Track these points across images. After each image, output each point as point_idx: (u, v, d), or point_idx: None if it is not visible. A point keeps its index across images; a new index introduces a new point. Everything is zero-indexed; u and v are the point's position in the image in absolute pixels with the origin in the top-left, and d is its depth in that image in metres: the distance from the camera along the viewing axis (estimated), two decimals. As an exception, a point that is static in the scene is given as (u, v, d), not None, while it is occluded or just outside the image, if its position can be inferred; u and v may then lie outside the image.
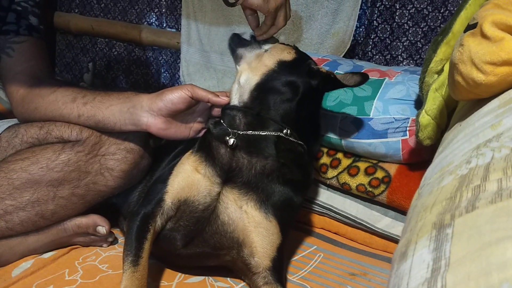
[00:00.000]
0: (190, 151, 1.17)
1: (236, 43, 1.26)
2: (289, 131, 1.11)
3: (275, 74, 1.14)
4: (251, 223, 1.07)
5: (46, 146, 1.17)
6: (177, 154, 1.26)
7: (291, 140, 1.11)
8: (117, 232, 1.34)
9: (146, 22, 2.30)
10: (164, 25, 2.28)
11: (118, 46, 2.40)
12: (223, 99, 1.16)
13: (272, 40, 1.29)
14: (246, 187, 1.09)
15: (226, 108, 1.16)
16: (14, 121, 1.32)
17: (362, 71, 1.39)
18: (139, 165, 1.22)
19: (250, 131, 1.09)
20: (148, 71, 2.37)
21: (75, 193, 1.17)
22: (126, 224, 1.11)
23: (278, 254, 1.09)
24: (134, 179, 1.23)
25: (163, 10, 2.26)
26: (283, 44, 1.26)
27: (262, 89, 1.13)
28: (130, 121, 1.15)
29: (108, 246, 1.30)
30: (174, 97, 1.13)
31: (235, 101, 1.15)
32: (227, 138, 1.09)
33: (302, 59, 1.20)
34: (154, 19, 2.29)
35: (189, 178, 1.11)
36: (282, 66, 1.15)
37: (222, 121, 1.13)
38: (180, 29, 2.09)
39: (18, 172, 1.13)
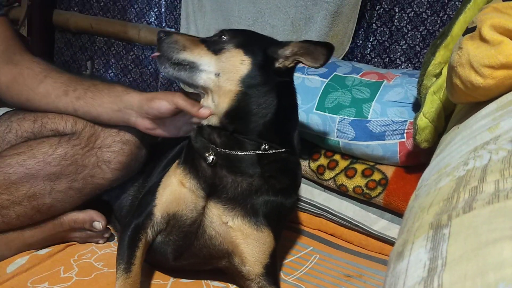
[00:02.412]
0: (177, 161, 1.15)
1: (174, 70, 1.08)
2: (266, 146, 1.06)
3: (243, 95, 1.04)
4: (239, 236, 1.06)
5: (42, 140, 1.16)
6: (168, 162, 1.24)
7: (272, 152, 1.08)
8: (112, 230, 1.34)
9: (145, 21, 2.30)
10: (163, 25, 2.28)
11: (117, 45, 2.40)
12: (203, 113, 1.08)
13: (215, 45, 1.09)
14: (231, 203, 1.06)
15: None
16: (1, 110, 1.29)
17: (361, 73, 1.40)
18: (137, 156, 1.21)
19: (228, 151, 1.06)
20: (147, 70, 2.37)
21: (72, 187, 1.17)
22: (119, 234, 1.11)
23: (271, 260, 1.08)
24: (133, 170, 1.23)
25: (163, 10, 2.26)
26: (226, 50, 1.06)
27: (234, 116, 1.05)
28: (121, 119, 1.16)
29: (104, 242, 1.29)
30: (161, 106, 1.11)
31: (211, 118, 1.08)
32: (206, 154, 1.06)
33: (261, 59, 1.06)
34: (153, 18, 2.29)
35: (176, 192, 1.09)
36: (246, 82, 1.04)
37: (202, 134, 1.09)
38: (179, 28, 2.10)
39: (14, 167, 1.13)
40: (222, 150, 1.06)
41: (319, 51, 1.03)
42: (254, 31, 1.21)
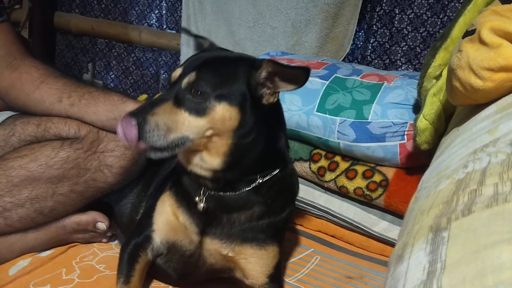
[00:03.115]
0: (169, 186, 1.11)
1: (167, 152, 0.94)
2: (261, 180, 1.02)
3: (234, 146, 0.97)
4: (241, 258, 1.06)
5: (45, 143, 1.17)
6: (165, 179, 1.20)
7: (268, 179, 1.03)
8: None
9: (146, 23, 2.31)
10: (164, 27, 2.28)
11: (118, 46, 2.41)
12: None
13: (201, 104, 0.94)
14: (229, 237, 1.04)
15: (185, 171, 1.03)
16: (5, 114, 1.30)
17: (361, 75, 1.40)
18: (138, 161, 1.22)
19: (221, 192, 1.01)
20: (148, 72, 2.37)
21: (74, 190, 1.17)
22: (120, 252, 1.10)
23: (276, 270, 1.08)
24: (133, 175, 1.24)
25: (163, 12, 2.27)
26: (210, 109, 0.93)
27: (226, 168, 0.98)
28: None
29: (108, 241, 1.30)
30: None
31: (195, 169, 0.99)
32: (197, 199, 1.02)
33: (246, 101, 0.95)
34: (154, 20, 2.30)
35: (171, 223, 1.08)
36: (237, 134, 0.96)
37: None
38: (180, 30, 2.10)
39: (16, 170, 1.13)
40: (215, 192, 1.01)
41: (297, 75, 0.94)
42: (221, 51, 1.10)
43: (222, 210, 1.03)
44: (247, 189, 1.02)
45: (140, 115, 0.90)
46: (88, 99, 1.18)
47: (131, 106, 1.14)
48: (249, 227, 1.04)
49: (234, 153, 0.97)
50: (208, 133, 0.94)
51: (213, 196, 1.02)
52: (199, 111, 0.92)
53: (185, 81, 0.94)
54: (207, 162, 0.98)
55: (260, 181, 1.02)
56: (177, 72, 0.99)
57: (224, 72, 0.97)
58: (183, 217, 1.05)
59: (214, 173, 0.99)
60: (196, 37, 1.14)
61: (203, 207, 1.01)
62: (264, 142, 1.01)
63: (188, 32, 2.07)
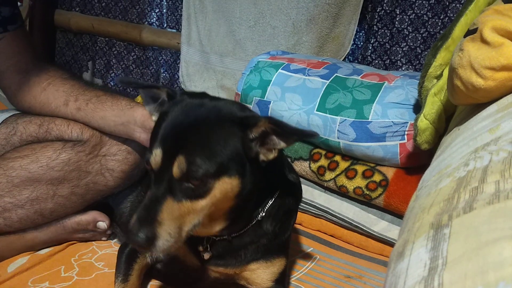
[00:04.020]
0: None
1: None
2: (263, 211, 0.98)
3: (236, 207, 0.92)
4: (247, 272, 1.05)
5: (47, 144, 1.16)
6: None
7: (270, 205, 1.00)
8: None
9: (146, 22, 2.31)
10: (165, 25, 2.28)
11: (118, 45, 2.40)
12: None
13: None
14: (234, 264, 1.02)
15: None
16: (8, 112, 1.30)
17: (362, 74, 1.40)
18: (139, 165, 1.22)
19: (225, 236, 0.99)
20: (148, 71, 2.37)
21: (74, 192, 1.17)
22: (117, 253, 1.09)
23: (281, 275, 1.08)
24: (134, 179, 1.23)
25: (164, 11, 2.26)
26: (211, 189, 0.85)
27: (230, 224, 0.95)
28: (125, 133, 1.16)
29: (107, 239, 1.30)
30: None
31: (197, 233, 0.92)
32: (200, 247, 0.99)
33: (246, 167, 0.88)
34: (154, 19, 2.29)
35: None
36: (239, 197, 0.90)
37: None
38: (181, 29, 2.10)
39: (17, 170, 1.13)
40: (219, 238, 0.99)
41: (292, 138, 0.90)
42: (196, 106, 0.91)
43: (229, 252, 1.01)
44: (251, 224, 0.99)
45: (148, 231, 0.80)
46: (95, 104, 1.16)
47: (139, 111, 1.12)
48: (255, 253, 1.03)
49: (235, 210, 0.92)
50: (212, 209, 0.87)
51: (218, 242, 1.00)
52: (200, 194, 0.84)
53: (176, 171, 0.82)
54: (209, 227, 0.93)
55: (263, 214, 0.99)
56: (157, 156, 0.84)
57: (214, 140, 0.85)
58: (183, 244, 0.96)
59: (217, 231, 0.96)
60: (150, 87, 0.99)
61: (210, 256, 0.99)
62: (265, 183, 0.96)
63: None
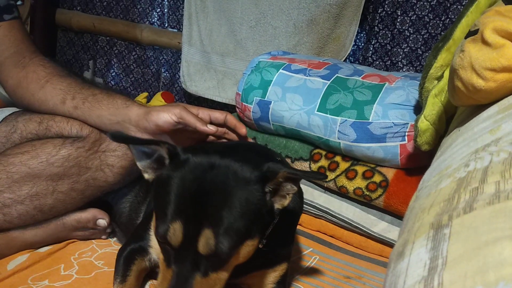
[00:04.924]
0: None
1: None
2: (265, 237, 0.92)
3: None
4: (249, 279, 1.05)
5: (47, 140, 1.17)
6: None
7: (271, 230, 0.93)
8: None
9: (147, 22, 2.31)
10: (166, 25, 2.29)
11: (119, 44, 2.41)
12: (210, 129, 1.09)
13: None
14: (236, 277, 0.97)
15: None
16: (8, 110, 1.30)
17: (363, 75, 1.41)
18: None
19: None
20: (149, 70, 2.37)
21: (74, 188, 1.17)
22: (116, 256, 1.08)
23: (282, 277, 1.08)
24: (134, 174, 1.23)
25: (165, 10, 2.27)
26: (237, 250, 0.82)
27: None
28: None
29: (106, 238, 1.30)
30: (159, 119, 1.09)
31: None
32: None
33: (264, 228, 0.89)
34: (155, 18, 2.30)
35: None
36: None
37: None
38: (182, 29, 2.10)
39: (17, 166, 1.13)
40: None
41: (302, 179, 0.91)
42: (209, 166, 0.84)
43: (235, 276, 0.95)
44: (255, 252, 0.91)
45: None
46: (92, 102, 1.17)
47: (134, 110, 1.13)
48: (260, 263, 1.03)
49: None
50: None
51: None
52: (226, 262, 0.82)
53: (203, 248, 0.77)
54: None
55: (265, 241, 0.92)
56: (177, 231, 0.78)
57: (237, 207, 0.79)
58: None
59: None
60: (147, 143, 0.92)
61: None
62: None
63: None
